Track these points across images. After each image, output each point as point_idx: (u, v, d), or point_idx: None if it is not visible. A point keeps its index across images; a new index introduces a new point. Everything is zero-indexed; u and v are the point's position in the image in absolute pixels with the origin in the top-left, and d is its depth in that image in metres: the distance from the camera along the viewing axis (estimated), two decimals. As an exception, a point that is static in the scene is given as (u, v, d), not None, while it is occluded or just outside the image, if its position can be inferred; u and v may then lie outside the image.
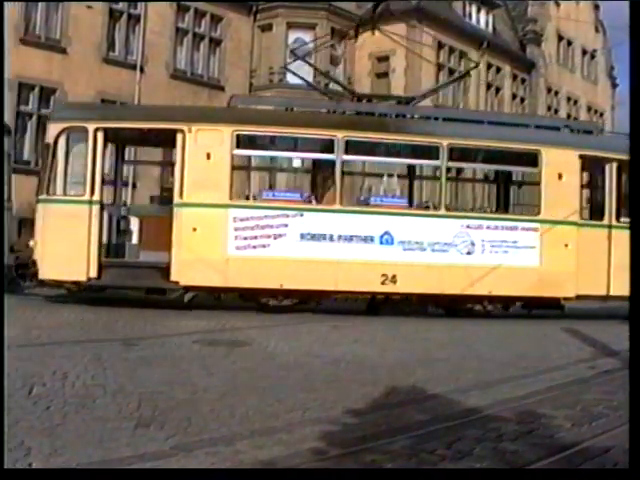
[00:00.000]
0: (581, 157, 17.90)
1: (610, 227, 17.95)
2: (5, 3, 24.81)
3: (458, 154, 17.91)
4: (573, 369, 10.88)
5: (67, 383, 8.46)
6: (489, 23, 45.60)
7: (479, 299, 17.74)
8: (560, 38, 51.15)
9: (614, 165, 18.11)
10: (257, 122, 17.43)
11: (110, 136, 17.49)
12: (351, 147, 17.18)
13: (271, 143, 18.26)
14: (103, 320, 14.34)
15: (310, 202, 17.62)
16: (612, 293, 17.66)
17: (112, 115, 18.52)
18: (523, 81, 48.55)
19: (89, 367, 9.44)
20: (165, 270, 16.59)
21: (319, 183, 19.74)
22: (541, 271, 17.55)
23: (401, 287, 17.02)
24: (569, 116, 48.48)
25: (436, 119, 18.51)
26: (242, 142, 17.03)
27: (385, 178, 22.95)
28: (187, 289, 16.84)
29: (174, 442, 6.34)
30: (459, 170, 21.60)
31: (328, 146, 17.19)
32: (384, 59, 40.57)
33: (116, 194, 19.45)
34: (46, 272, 16.58)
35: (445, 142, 17.25)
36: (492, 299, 17.81)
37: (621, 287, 16.50)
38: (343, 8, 38.97)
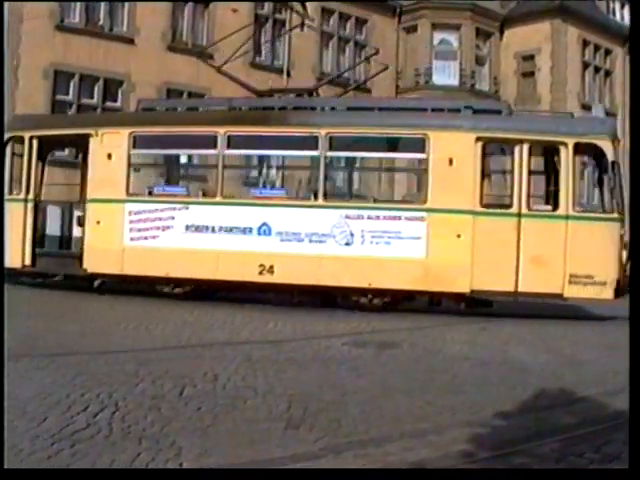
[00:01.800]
0: (479, 140, 16.44)
1: (519, 216, 16.24)
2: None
3: (338, 143, 17.27)
4: None
5: (218, 384, 8.59)
6: (634, 19, 44.27)
7: (360, 291, 16.91)
8: None
9: (524, 147, 16.44)
10: (150, 123, 18.42)
11: (44, 142, 19.26)
12: (233, 142, 17.55)
13: (163, 142, 18.70)
14: (253, 321, 14.48)
15: (197, 195, 18.25)
16: (521, 289, 16.21)
17: (43, 124, 20.37)
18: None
19: (239, 368, 9.56)
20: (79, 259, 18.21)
21: (208, 177, 20.11)
22: (428, 264, 16.33)
23: (278, 278, 16.89)
24: None
25: (322, 109, 17.97)
26: (138, 142, 18.00)
27: (266, 170, 23.01)
28: (94, 276, 18.10)
29: (323, 443, 6.35)
30: (351, 159, 20.13)
31: (212, 142, 17.57)
32: (529, 58, 39.98)
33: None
34: None
35: (324, 132, 16.90)
36: (374, 292, 16.85)
37: (532, 283, 16.00)
38: (487, 7, 38.55)
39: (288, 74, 33.70)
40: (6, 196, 18.76)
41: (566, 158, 16.15)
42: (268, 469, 5.80)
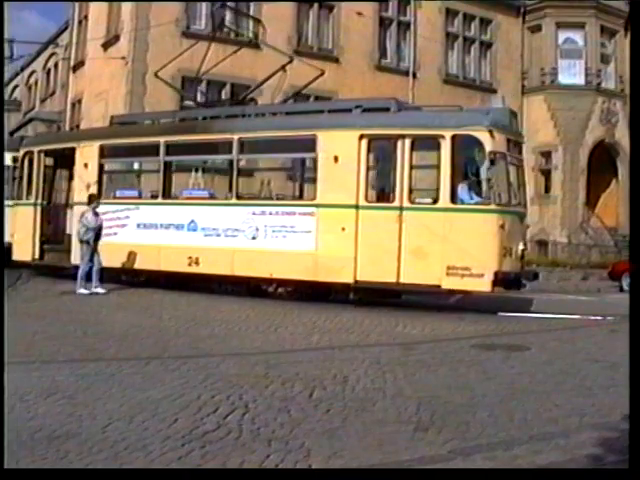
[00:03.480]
0: (363, 137, 17.01)
1: (401, 209, 16.55)
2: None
3: (247, 146, 18.97)
4: None
5: (347, 387, 8.64)
6: None
7: (266, 281, 18.48)
8: None
9: (407, 142, 16.73)
10: (114, 136, 21.50)
11: (48, 155, 23.08)
12: (171, 149, 19.85)
13: (122, 151, 21.57)
14: (382, 324, 14.49)
15: (147, 198, 20.61)
16: (402, 280, 16.49)
17: (48, 140, 25.01)
18: None
19: (369, 371, 9.61)
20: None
21: (154, 181, 21.17)
22: (317, 256, 17.31)
23: (203, 269, 18.76)
24: None
25: (235, 116, 19.92)
26: (105, 152, 20.93)
27: (196, 173, 24.35)
28: (77, 268, 19.27)
29: (452, 446, 6.35)
30: (262, 160, 22.39)
31: (156, 150, 19.91)
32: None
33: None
34: (14, 255, 22.59)
35: (236, 137, 18.65)
36: (277, 282, 18.35)
37: (413, 275, 16.32)
38: (611, 5, 37.73)
39: (414, 76, 33.59)
40: (19, 200, 23.26)
41: (445, 151, 16.35)
42: (267, 469, 5.85)
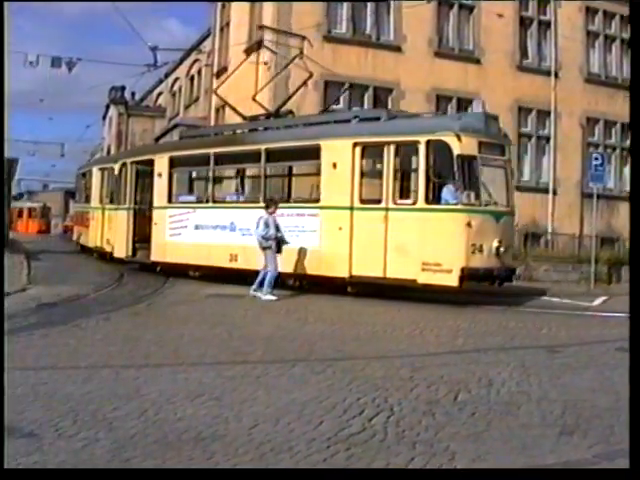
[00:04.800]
0: (356, 145, 18.60)
1: (387, 210, 18.00)
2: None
3: (272, 156, 20.82)
4: None
5: (492, 390, 8.63)
6: None
7: (289, 276, 19.63)
8: None
9: (391, 148, 18.20)
10: (180, 149, 24.85)
11: (137, 165, 26.60)
12: (218, 159, 22.52)
13: (186, 161, 24.27)
14: (527, 327, 14.41)
15: (201, 202, 23.16)
16: (388, 275, 17.87)
17: (138, 152, 30.02)
18: None
19: (514, 374, 9.57)
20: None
21: (205, 187, 23.94)
22: (321, 252, 19.11)
23: (240, 264, 20.77)
24: None
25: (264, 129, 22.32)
26: (173, 163, 23.89)
27: (237, 180, 25.66)
28: (155, 264, 23.95)
29: (597, 450, 6.30)
30: (285, 167, 23.18)
31: (207, 160, 22.63)
32: None
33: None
34: (114, 253, 26.94)
35: (263, 147, 20.86)
36: (295, 277, 19.82)
37: (396, 270, 17.64)
38: None
39: (556, 75, 33.03)
40: (118, 205, 27.37)
41: (421, 155, 17.64)
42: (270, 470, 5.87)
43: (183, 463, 5.89)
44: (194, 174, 25.39)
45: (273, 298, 17.77)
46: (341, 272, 18.62)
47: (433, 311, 16.68)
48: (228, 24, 34.56)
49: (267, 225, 18.19)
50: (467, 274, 17.03)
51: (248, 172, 24.02)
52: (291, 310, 16.29)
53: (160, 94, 56.20)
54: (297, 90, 24.38)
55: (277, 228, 18.24)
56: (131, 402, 7.64)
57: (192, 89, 45.24)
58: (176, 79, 49.44)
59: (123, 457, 5.95)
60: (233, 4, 33.92)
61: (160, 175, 24.05)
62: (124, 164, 27.33)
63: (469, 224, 17.06)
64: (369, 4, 29.63)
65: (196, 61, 43.42)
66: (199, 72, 42.70)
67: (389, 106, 28.70)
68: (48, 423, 6.81)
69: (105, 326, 13.21)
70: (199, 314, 15.42)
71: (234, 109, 25.67)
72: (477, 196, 17.54)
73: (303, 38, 25.02)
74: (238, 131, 23.53)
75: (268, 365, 9.87)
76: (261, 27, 27.92)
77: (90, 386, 8.32)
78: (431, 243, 17.23)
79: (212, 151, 22.54)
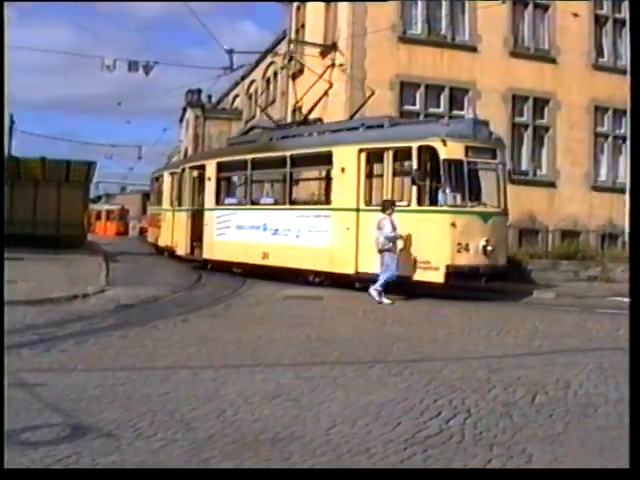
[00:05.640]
0: (361, 151, 20.03)
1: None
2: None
3: (296, 162, 22.54)
4: None
5: (569, 392, 8.60)
6: None
7: (309, 272, 21.33)
8: None
9: (390, 153, 19.61)
10: (225, 155, 27.61)
11: (193, 170, 29.29)
12: (254, 164, 24.26)
13: (229, 166, 26.34)
14: (604, 328, 14.31)
15: (241, 204, 25.14)
16: None
17: (195, 158, 33.89)
18: None
19: (591, 376, 9.53)
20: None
21: (243, 190, 26.31)
22: (332, 250, 20.56)
23: (271, 262, 22.68)
24: None
25: (291, 136, 24.09)
26: (220, 168, 26.21)
27: (267, 183, 28.31)
28: (205, 261, 26.20)
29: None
30: (308, 172, 25.27)
31: (245, 165, 24.58)
32: None
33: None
34: (177, 251, 29.71)
35: (288, 154, 22.57)
36: (314, 273, 21.27)
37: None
38: None
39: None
40: (179, 207, 30.55)
41: (414, 159, 18.88)
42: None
43: (261, 464, 5.95)
44: (236, 178, 27.46)
45: (387, 302, 17.77)
46: (348, 269, 20.01)
47: (511, 312, 16.66)
48: (303, 26, 34.69)
49: (386, 228, 18.16)
50: (452, 271, 18.23)
51: (277, 176, 25.59)
52: (368, 311, 16.35)
53: (236, 96, 56.54)
54: (319, 101, 26.20)
55: (394, 229, 18.27)
56: (209, 403, 7.74)
57: (268, 91, 45.50)
58: (252, 81, 49.75)
59: (201, 457, 6.04)
60: (308, 6, 34.03)
61: (210, 179, 26.47)
62: (184, 169, 30.56)
63: (454, 224, 18.29)
64: (444, 4, 29.49)
65: (272, 63, 43.65)
66: (275, 74, 42.94)
67: (465, 107, 28.66)
68: (126, 423, 6.92)
69: (183, 327, 13.38)
70: (277, 315, 15.52)
71: (269, 116, 29.81)
72: (463, 198, 18.73)
73: (335, 48, 28.08)
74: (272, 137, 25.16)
75: (346, 366, 9.92)
76: (290, 41, 31.08)
77: (168, 387, 8.44)
78: (422, 242, 18.50)
79: (249, 157, 24.52)
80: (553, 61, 31.04)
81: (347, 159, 20.32)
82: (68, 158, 39.13)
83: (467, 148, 18.69)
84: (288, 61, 33.28)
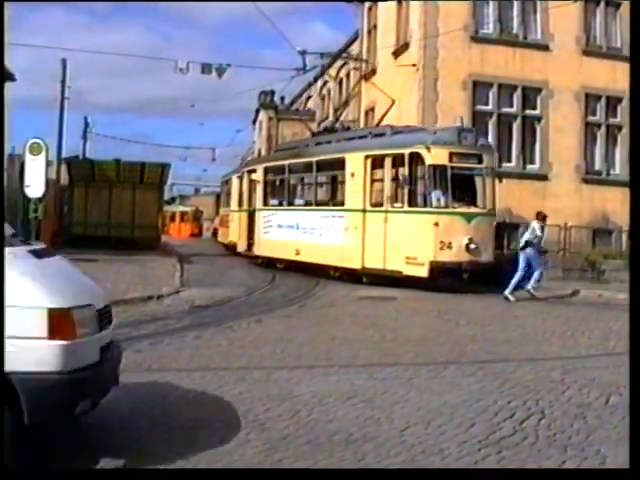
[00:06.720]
0: (367, 157, 22.33)
1: (386, 212, 21.43)
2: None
3: (321, 166, 25.14)
4: None
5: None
6: None
7: (330, 268, 23.37)
8: None
9: (388, 159, 21.73)
10: (271, 160, 30.71)
11: (249, 174, 31.53)
12: (290, 169, 26.84)
13: (273, 171, 28.62)
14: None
15: (281, 205, 27.53)
16: (387, 267, 21.24)
17: (251, 163, 35.24)
18: None
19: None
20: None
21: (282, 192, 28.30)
22: (344, 247, 22.76)
23: (302, 258, 24.95)
24: None
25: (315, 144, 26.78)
26: (267, 172, 28.87)
27: (300, 186, 29.06)
28: (257, 257, 28.74)
29: None
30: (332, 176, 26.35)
31: (283, 169, 27.21)
32: None
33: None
34: (237, 248, 32.54)
35: (314, 159, 25.33)
36: (333, 269, 23.27)
37: (392, 262, 20.95)
38: None
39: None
40: (236, 208, 34.53)
41: (406, 165, 20.92)
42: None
43: (334, 464, 6.00)
44: (277, 182, 28.80)
45: (512, 299, 18.69)
46: (356, 264, 22.18)
47: (585, 313, 16.60)
48: (375, 27, 34.71)
49: (533, 231, 19.52)
50: (435, 267, 20.04)
51: (306, 180, 27.60)
52: (442, 312, 16.37)
53: (309, 97, 56.67)
54: (337, 110, 31.16)
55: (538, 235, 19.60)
56: (283, 403, 7.82)
57: (341, 92, 45.55)
58: (325, 82, 49.82)
59: (275, 458, 6.11)
60: (380, 7, 34.04)
61: (259, 182, 29.25)
62: (242, 173, 33.95)
63: (437, 224, 20.15)
64: (515, 4, 29.31)
65: (344, 64, 43.70)
66: (347, 75, 43.00)
67: (537, 106, 28.59)
68: (201, 423, 7.04)
69: (257, 328, 13.49)
70: (351, 316, 15.56)
71: (306, 125, 35.08)
72: (447, 199, 20.44)
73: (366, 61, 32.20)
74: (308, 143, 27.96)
75: (420, 367, 9.96)
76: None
77: (242, 387, 8.52)
78: (412, 240, 20.49)
79: (287, 162, 27.17)
80: (626, 59, 30.61)
81: (356, 164, 22.65)
82: (142, 160, 39.74)
83: (451, 154, 20.45)
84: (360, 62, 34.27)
